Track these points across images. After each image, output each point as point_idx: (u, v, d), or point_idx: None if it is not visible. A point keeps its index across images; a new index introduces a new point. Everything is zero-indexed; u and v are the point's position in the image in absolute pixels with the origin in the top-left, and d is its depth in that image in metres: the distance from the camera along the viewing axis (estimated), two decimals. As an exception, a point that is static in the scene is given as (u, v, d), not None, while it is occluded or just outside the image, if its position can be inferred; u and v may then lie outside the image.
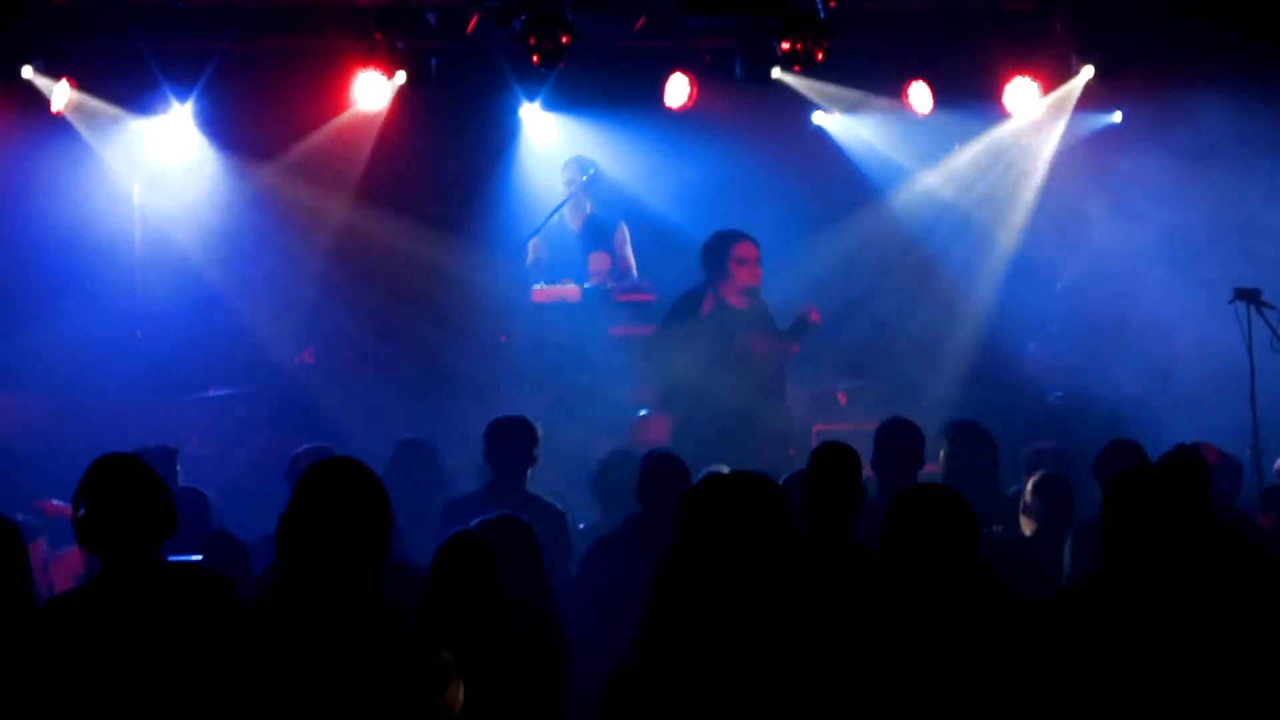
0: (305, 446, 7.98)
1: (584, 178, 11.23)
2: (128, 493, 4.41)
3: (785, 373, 9.91)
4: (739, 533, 3.78)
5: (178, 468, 7.82)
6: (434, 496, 7.65)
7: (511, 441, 7.44)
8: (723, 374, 9.42)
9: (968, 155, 12.40)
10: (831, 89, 11.96)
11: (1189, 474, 4.72)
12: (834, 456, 5.76)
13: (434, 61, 11.00)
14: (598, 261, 11.09)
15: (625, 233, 11.47)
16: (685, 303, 9.79)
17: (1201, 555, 4.24)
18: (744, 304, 9.75)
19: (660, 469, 6.97)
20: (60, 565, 6.90)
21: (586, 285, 10.86)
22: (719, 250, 9.74)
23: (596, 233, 11.36)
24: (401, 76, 11.00)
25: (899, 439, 7.34)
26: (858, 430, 8.98)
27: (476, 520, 5.60)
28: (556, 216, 11.16)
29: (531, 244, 11.19)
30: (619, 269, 11.25)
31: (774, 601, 3.72)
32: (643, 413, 10.14)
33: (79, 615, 4.27)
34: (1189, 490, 4.33)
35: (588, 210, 11.35)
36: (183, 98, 11.25)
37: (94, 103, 11.06)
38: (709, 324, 9.62)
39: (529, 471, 7.42)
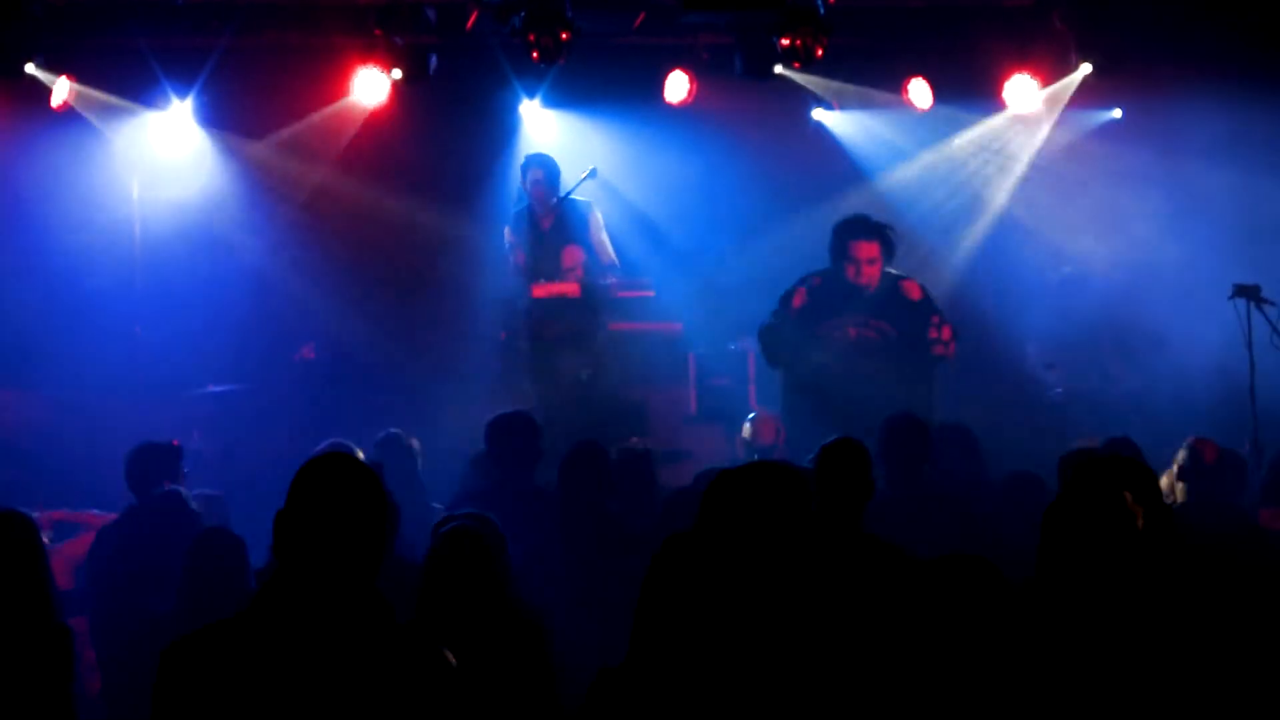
0: (326, 443, 7.94)
1: (532, 181, 10.87)
2: None
3: (912, 363, 9.15)
4: (757, 527, 3.72)
5: (183, 464, 7.82)
6: (413, 490, 7.67)
7: (516, 436, 7.43)
8: (830, 362, 9.15)
9: (965, 151, 12.41)
10: (832, 84, 11.96)
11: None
12: (843, 451, 5.74)
13: (433, 58, 10.99)
14: (571, 257, 10.69)
15: (599, 218, 11.01)
16: (785, 294, 9.32)
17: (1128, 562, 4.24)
18: (861, 291, 9.18)
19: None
20: (58, 557, 6.90)
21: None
22: (836, 243, 9.17)
23: (568, 225, 10.89)
24: (400, 73, 10.98)
25: (903, 434, 7.35)
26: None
27: (456, 513, 5.63)
28: (528, 215, 10.90)
29: (506, 230, 11.01)
30: (598, 258, 10.86)
31: (788, 600, 3.67)
32: (752, 414, 9.95)
33: None
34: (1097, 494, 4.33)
35: (553, 204, 10.82)
36: (183, 94, 11.26)
37: (94, 99, 11.08)
38: (809, 314, 9.22)
39: (535, 465, 7.41)
